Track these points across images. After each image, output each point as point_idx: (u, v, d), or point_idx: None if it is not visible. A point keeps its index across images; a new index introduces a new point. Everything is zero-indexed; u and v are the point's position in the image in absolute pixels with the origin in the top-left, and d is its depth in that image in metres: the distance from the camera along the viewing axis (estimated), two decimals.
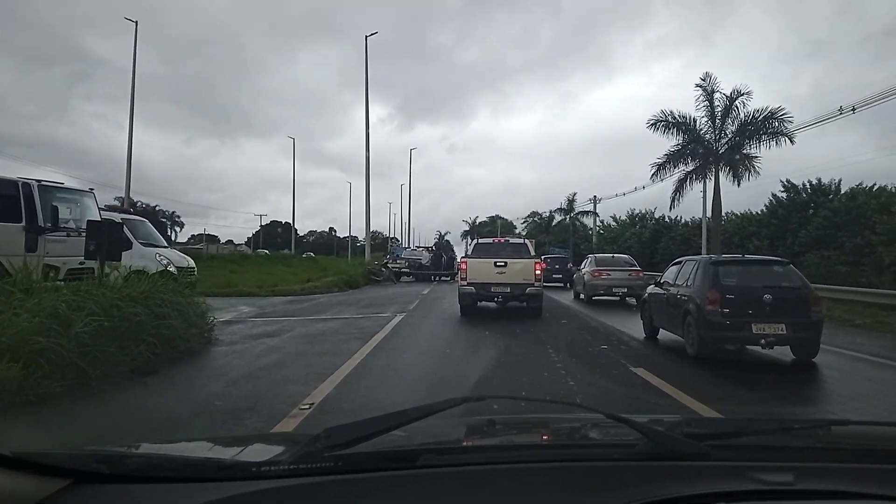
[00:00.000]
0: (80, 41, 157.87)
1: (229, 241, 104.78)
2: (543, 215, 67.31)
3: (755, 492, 1.27)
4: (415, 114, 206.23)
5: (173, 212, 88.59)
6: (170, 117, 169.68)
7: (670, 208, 29.05)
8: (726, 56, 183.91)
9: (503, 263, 15.04)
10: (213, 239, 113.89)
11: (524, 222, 72.57)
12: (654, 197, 77.09)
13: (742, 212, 47.15)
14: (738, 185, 26.88)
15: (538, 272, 15.23)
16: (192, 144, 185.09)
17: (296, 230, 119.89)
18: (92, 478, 1.28)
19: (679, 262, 11.41)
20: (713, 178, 27.03)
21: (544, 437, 2.06)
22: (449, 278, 37.47)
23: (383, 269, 32.07)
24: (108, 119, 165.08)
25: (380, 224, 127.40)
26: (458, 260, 46.75)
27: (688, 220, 52.18)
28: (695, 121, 26.87)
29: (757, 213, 42.91)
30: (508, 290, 14.97)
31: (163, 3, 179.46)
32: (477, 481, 1.33)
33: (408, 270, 35.34)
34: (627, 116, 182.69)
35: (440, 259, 37.33)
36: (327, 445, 1.36)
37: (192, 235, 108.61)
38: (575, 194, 62.70)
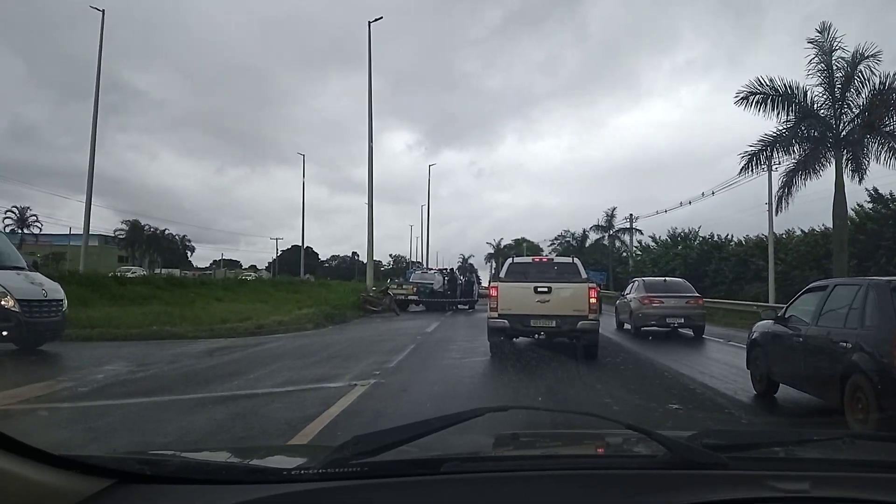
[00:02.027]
0: (116, 74, 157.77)
1: (252, 266, 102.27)
2: (576, 234, 60.12)
3: (772, 499, 1.28)
4: (441, 140, 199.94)
5: (184, 235, 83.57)
6: (202, 147, 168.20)
7: (776, 212, 21.41)
8: (754, 77, 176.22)
9: (546, 289, 11.29)
10: (234, 264, 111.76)
11: (551, 244, 65.13)
12: (698, 216, 69.39)
13: (809, 228, 39.77)
14: (861, 180, 19.43)
15: (593, 300, 11.27)
16: (224, 173, 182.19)
17: (316, 254, 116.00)
18: (134, 478, 1.31)
19: (820, 288, 7.87)
20: (835, 171, 19.17)
21: (566, 448, 2.01)
22: (468, 307, 30.40)
23: (382, 298, 24.91)
24: (142, 149, 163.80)
25: (403, 249, 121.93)
26: (481, 284, 40.20)
27: (740, 238, 44.92)
28: (805, 92, 19.19)
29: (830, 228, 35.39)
30: (554, 325, 11.23)
31: (195, 37, 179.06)
32: (498, 488, 1.35)
33: (416, 298, 28.12)
34: (654, 141, 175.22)
35: (457, 283, 30.15)
36: (355, 453, 1.37)
37: (214, 261, 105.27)
38: (615, 209, 55.54)
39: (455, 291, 29.61)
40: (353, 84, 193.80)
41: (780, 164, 23.84)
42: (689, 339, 16.62)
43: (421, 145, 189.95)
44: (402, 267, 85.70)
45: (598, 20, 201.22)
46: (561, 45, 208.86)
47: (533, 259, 14.32)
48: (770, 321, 8.52)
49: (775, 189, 20.47)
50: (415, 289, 27.87)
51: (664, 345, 15.06)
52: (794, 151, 19.52)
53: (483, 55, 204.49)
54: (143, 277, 31.19)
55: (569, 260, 13.17)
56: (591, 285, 11.65)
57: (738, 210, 71.32)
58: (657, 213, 51.21)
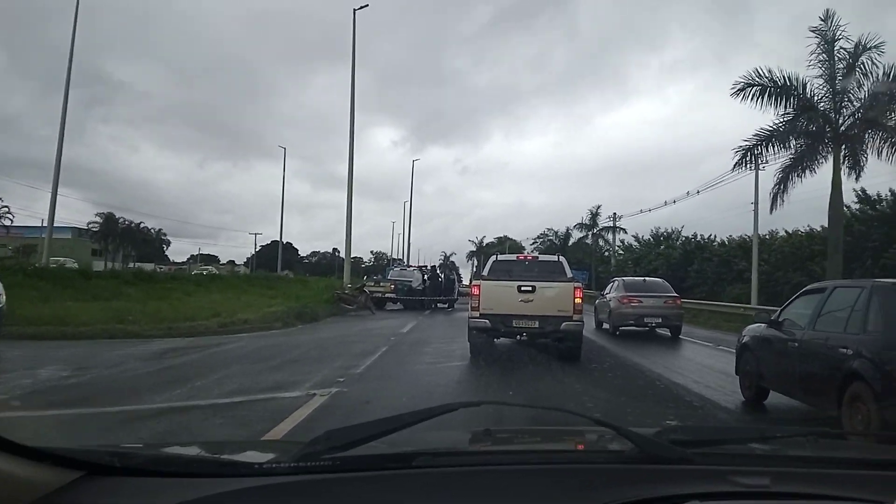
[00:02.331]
0: (99, 65, 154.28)
1: (231, 262, 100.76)
2: (559, 233, 59.29)
3: (734, 493, 1.30)
4: (427, 137, 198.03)
5: (160, 229, 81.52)
6: (185, 140, 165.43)
7: (771, 210, 20.49)
8: (742, 79, 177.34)
9: (530, 288, 10.85)
10: (212, 259, 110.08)
11: (534, 242, 64.30)
12: (680, 216, 69.05)
13: (793, 229, 39.36)
14: (858, 177, 18.78)
15: (578, 300, 10.84)
16: (206, 167, 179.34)
17: (296, 249, 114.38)
18: (104, 470, 1.30)
19: (818, 290, 7.42)
20: (832, 167, 18.34)
21: (537, 443, 2.05)
22: (447, 305, 29.44)
23: (358, 296, 23.83)
24: (124, 141, 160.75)
25: (385, 246, 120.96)
26: (462, 283, 39.26)
27: (723, 238, 44.49)
28: (805, 84, 18.36)
29: (818, 228, 35.07)
30: (537, 325, 10.78)
31: (180, 29, 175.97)
32: (469, 482, 1.36)
33: (393, 296, 27.03)
34: (641, 139, 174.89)
35: (437, 281, 29.08)
36: (327, 447, 1.36)
37: (192, 255, 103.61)
38: (599, 207, 54.69)
39: (435, 290, 28.59)
40: (340, 78, 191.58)
41: (766, 162, 23.17)
42: (677, 343, 15.94)
43: (406, 142, 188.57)
44: (382, 264, 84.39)
45: (589, 18, 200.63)
46: (550, 43, 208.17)
47: (517, 257, 13.73)
48: (762, 325, 8.07)
49: (770, 186, 19.71)
50: (392, 286, 26.73)
51: (650, 348, 14.32)
52: (790, 146, 18.70)
53: (472, 52, 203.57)
54: (112, 271, 29.77)
55: (554, 258, 12.67)
56: (576, 285, 11.19)
57: (721, 210, 70.98)
58: (641, 212, 50.67)
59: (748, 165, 20.80)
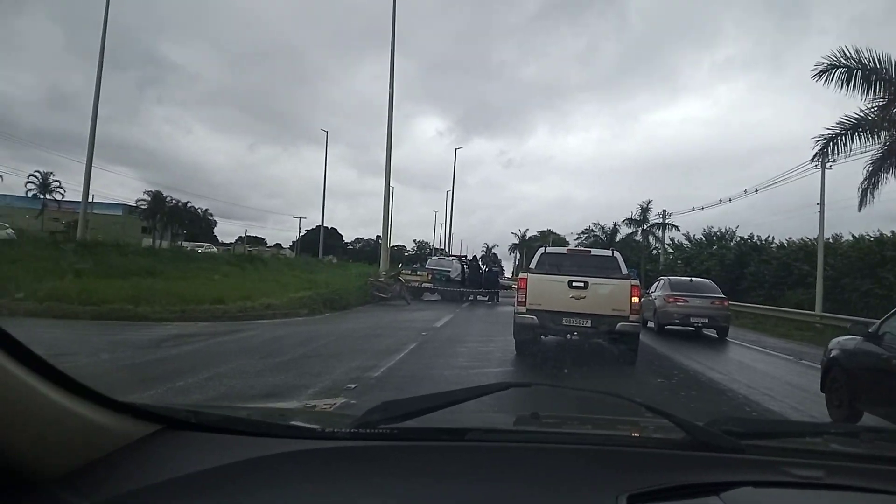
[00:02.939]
0: (154, 47, 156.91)
1: (277, 245, 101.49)
2: (606, 228, 56.62)
3: (785, 482, 1.28)
4: (472, 128, 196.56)
5: (206, 209, 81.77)
6: (236, 124, 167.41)
7: (860, 207, 18.16)
8: (795, 79, 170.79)
9: (582, 284, 10.05)
10: (259, 241, 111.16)
11: (578, 237, 61.44)
12: (732, 216, 65.75)
13: (859, 234, 36.46)
14: None
15: (636, 300, 10.05)
16: (256, 151, 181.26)
17: (340, 235, 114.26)
18: (181, 425, 1.36)
19: None
20: None
21: (587, 428, 1.95)
22: (488, 298, 27.71)
23: (393, 284, 22.36)
24: (177, 123, 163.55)
25: (429, 235, 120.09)
26: (505, 276, 37.44)
27: (781, 240, 41.65)
28: None
29: (889, 234, 32.24)
30: (589, 324, 10.00)
31: (232, 13, 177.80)
32: (518, 458, 1.36)
33: (431, 286, 25.47)
34: (688, 138, 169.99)
35: (478, 272, 27.33)
36: (384, 417, 1.39)
37: (240, 237, 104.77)
38: (650, 202, 52.01)
39: (475, 281, 26.95)
40: (388, 67, 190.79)
41: (834, 160, 20.97)
42: (752, 355, 13.87)
43: (451, 132, 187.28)
44: (424, 253, 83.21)
45: (639, 12, 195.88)
46: (599, 37, 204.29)
47: (568, 250, 12.72)
48: (856, 338, 7.19)
49: (836, 186, 17.58)
50: (430, 276, 25.15)
51: (720, 359, 12.51)
52: (881, 137, 16.35)
53: (519, 43, 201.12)
54: (149, 249, 29.13)
55: (608, 253, 11.64)
56: (633, 283, 10.25)
57: (774, 213, 67.25)
58: (693, 209, 47.86)
59: (829, 155, 18.49)
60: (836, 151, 17.55)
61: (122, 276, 19.60)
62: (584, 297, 9.88)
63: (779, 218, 68.91)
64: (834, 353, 7.36)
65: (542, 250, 11.63)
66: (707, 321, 16.50)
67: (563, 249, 12.95)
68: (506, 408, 1.75)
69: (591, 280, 10.03)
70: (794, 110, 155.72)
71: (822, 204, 30.13)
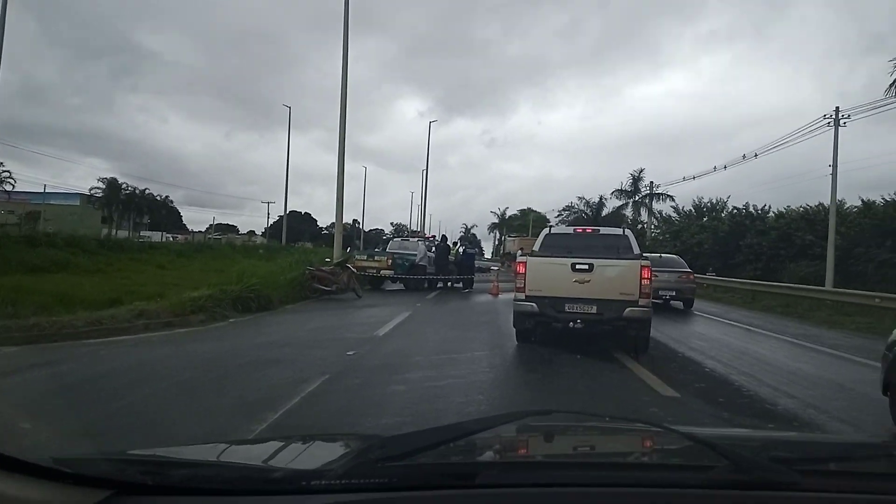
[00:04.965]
0: (128, 35, 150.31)
1: (251, 232, 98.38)
2: (591, 202, 52.77)
3: None
4: (454, 108, 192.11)
5: (166, 196, 77.02)
6: (211, 111, 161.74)
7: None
8: (779, 50, 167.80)
9: (586, 266, 9.12)
10: (230, 228, 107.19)
11: (559, 215, 57.58)
12: (724, 188, 62.29)
13: (867, 199, 33.15)
14: None
15: (646, 281, 9.02)
16: (232, 138, 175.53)
17: (314, 220, 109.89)
18: (135, 489, 1.15)
19: None
20: None
21: (616, 457, 1.70)
22: (462, 285, 23.71)
23: (339, 273, 17.52)
24: (153, 112, 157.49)
25: (405, 217, 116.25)
26: (485, 256, 33.58)
27: (780, 209, 38.30)
28: None
29: None
30: (594, 311, 9.09)
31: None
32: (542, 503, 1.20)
33: (391, 273, 21.61)
34: (672, 112, 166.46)
35: (446, 255, 23.47)
36: (381, 457, 1.25)
37: (210, 225, 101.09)
38: (642, 170, 48.37)
39: (442, 266, 23.05)
40: (367, 49, 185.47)
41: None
42: (788, 350, 10.98)
43: (432, 113, 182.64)
44: (403, 236, 79.37)
45: None
46: (581, 12, 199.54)
47: (575, 230, 11.61)
48: None
49: (846, 148, 14.28)
50: (389, 262, 21.07)
51: (746, 359, 9.29)
52: None
53: (501, 21, 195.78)
54: (67, 240, 25.09)
55: (619, 231, 11.04)
56: (643, 263, 9.30)
57: (764, 183, 64.19)
58: (683, 179, 44.43)
59: None
60: None
61: (4, 273, 15.90)
62: (588, 281, 9.18)
63: (764, 188, 65.71)
64: None
65: (546, 231, 11.05)
66: (675, 293, 17.99)
67: (569, 229, 12.13)
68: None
69: (596, 262, 9.25)
70: (775, 82, 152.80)
71: (834, 164, 26.71)
